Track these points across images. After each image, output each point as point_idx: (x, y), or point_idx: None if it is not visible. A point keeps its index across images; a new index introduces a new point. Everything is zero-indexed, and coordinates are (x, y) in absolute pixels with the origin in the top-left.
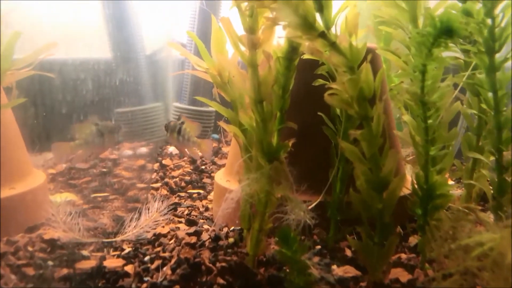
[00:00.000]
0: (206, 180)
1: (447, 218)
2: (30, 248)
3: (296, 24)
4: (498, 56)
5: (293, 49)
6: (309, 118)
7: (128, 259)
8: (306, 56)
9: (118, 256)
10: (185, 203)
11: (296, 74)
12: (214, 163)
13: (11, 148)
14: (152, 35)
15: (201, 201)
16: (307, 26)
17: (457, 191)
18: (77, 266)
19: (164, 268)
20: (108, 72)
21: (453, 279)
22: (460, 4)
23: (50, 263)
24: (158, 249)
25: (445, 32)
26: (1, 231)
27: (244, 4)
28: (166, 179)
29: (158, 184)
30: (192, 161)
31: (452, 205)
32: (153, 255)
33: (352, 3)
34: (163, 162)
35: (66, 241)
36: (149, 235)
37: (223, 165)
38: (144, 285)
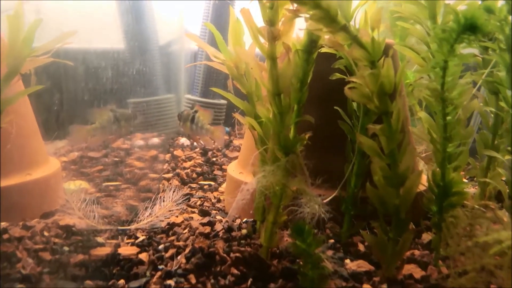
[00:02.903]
0: (217, 172)
1: (463, 216)
2: (46, 234)
3: (318, 17)
4: None
5: (312, 42)
6: (325, 112)
7: (142, 247)
8: (324, 50)
9: (133, 244)
10: (196, 194)
11: (314, 67)
12: (225, 155)
13: (26, 135)
14: (165, 27)
15: (212, 192)
16: (330, 19)
17: (470, 189)
18: (93, 253)
19: (179, 257)
20: (126, 62)
21: (468, 276)
22: (479, 2)
23: (66, 248)
24: (172, 238)
25: (469, 28)
26: (18, 215)
27: None
28: (178, 170)
29: (170, 175)
30: (203, 153)
31: (466, 202)
32: (167, 244)
33: None
34: (175, 153)
35: (81, 228)
36: (163, 224)
37: (234, 158)
38: (159, 273)
